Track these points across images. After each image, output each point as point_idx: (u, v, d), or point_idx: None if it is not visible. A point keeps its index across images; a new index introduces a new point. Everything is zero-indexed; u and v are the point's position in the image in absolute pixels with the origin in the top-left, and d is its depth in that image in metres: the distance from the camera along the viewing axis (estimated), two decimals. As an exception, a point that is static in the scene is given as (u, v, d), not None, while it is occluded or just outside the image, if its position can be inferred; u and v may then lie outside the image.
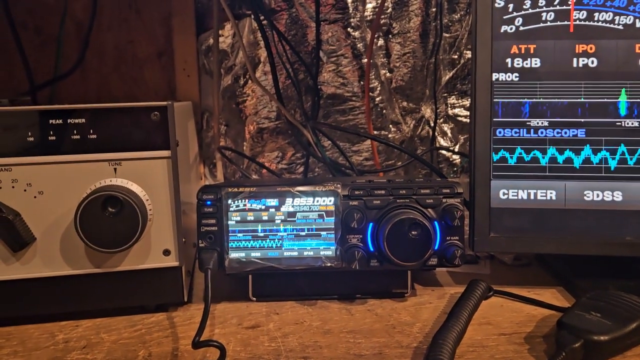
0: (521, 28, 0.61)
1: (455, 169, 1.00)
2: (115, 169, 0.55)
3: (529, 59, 0.61)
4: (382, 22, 0.95)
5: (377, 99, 0.97)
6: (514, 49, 0.62)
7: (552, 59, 0.61)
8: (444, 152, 1.00)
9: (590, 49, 0.60)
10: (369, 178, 0.68)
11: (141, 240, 0.55)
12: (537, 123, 0.62)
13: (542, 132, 0.62)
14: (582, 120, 0.61)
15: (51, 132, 0.54)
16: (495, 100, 0.62)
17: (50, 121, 0.53)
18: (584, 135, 0.61)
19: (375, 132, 0.96)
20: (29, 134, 0.53)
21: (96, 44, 0.94)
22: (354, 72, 0.96)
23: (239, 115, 0.99)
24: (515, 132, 0.62)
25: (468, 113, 0.99)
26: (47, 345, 0.53)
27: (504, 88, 0.62)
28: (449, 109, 0.99)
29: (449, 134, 1.00)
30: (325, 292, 0.64)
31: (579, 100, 0.61)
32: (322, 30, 0.94)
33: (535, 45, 0.61)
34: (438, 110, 0.98)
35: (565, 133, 0.62)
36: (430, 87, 0.98)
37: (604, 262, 0.65)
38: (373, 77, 0.96)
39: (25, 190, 0.54)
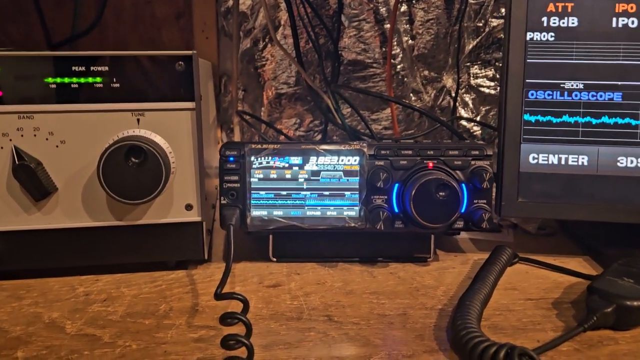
0: (559, -15, 0.59)
1: (476, 140, 0.98)
2: (138, 120, 0.54)
3: (565, 18, 0.59)
4: (406, -14, 0.92)
5: (399, 66, 0.95)
6: (551, 7, 0.59)
7: (590, 18, 0.59)
8: (464, 122, 0.98)
9: (631, 8, 0.58)
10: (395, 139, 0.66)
11: (164, 194, 0.54)
12: (572, 85, 0.60)
13: (576, 95, 0.60)
14: (620, 83, 0.59)
15: (74, 80, 0.52)
16: (528, 60, 0.60)
17: (73, 68, 0.52)
18: (621, 99, 0.59)
19: (396, 100, 0.95)
20: (51, 81, 0.52)
21: (114, 3, 0.92)
22: (375, 38, 0.94)
23: (258, 79, 0.97)
24: (549, 95, 0.60)
25: (491, 84, 0.97)
26: (68, 298, 0.53)
27: (539, 48, 0.60)
28: (472, 79, 0.97)
29: (470, 105, 0.98)
30: (347, 254, 0.63)
31: (617, 62, 0.59)
32: (345, -7, 0.92)
33: (573, 4, 0.59)
34: (460, 80, 0.96)
35: (601, 96, 0.60)
36: (453, 56, 0.96)
37: (633, 231, 0.63)
38: (395, 43, 0.93)
39: (47, 139, 0.53)
